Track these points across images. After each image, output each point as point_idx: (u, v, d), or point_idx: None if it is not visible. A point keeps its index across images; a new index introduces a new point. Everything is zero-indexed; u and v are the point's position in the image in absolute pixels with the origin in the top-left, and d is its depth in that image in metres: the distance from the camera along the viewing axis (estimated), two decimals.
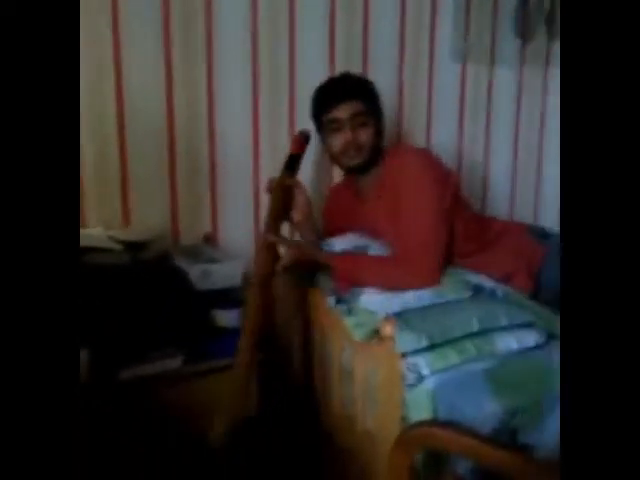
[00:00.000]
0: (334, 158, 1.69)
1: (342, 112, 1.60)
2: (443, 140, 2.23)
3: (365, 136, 1.61)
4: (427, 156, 1.65)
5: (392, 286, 1.47)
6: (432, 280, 1.51)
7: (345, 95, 1.61)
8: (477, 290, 1.53)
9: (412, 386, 1.28)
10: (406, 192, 1.56)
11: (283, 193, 1.56)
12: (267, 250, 1.50)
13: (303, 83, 1.90)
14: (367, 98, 1.64)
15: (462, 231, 1.65)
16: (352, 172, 1.70)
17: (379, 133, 1.66)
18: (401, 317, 1.39)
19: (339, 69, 1.90)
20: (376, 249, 1.62)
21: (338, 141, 1.62)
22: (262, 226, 1.93)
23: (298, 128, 1.92)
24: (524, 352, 1.37)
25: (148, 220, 1.76)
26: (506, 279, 1.60)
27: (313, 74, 1.88)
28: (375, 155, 1.65)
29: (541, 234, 1.75)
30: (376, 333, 1.31)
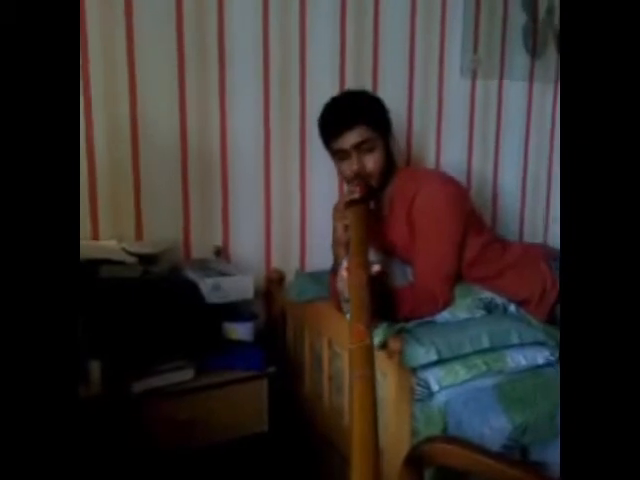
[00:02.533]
0: (347, 182, 1.66)
1: (346, 142, 1.55)
2: (453, 156, 2.24)
3: (372, 163, 1.57)
4: (453, 185, 1.61)
5: (412, 316, 1.48)
6: (446, 307, 1.54)
7: (348, 123, 1.55)
8: (489, 308, 1.54)
9: (422, 401, 1.29)
10: (428, 225, 1.55)
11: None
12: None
13: (313, 99, 1.92)
14: (372, 120, 1.58)
15: (475, 255, 1.61)
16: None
17: (389, 153, 1.62)
18: (411, 332, 1.40)
19: (349, 86, 1.91)
20: (392, 266, 1.63)
21: (346, 169, 1.60)
22: (274, 240, 1.97)
23: (308, 143, 1.95)
24: (534, 369, 1.38)
25: (160, 233, 1.78)
26: (520, 304, 1.60)
27: (323, 90, 1.90)
28: (387, 177, 1.63)
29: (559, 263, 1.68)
30: (385, 346, 1.31)
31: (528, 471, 1.02)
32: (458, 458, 1.00)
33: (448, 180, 1.63)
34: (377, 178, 1.60)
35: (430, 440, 1.10)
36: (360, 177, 1.57)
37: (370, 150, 1.56)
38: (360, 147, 1.55)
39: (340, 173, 1.67)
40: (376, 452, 0.79)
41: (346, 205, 1.54)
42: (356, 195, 1.53)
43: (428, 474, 1.21)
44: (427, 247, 1.56)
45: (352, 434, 0.80)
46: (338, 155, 1.60)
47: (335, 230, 1.61)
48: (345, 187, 1.95)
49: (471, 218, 1.61)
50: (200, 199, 1.84)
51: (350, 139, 1.54)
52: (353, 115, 1.55)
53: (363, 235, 1.39)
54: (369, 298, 1.12)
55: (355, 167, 1.56)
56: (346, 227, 1.53)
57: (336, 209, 1.63)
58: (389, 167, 1.63)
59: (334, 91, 1.91)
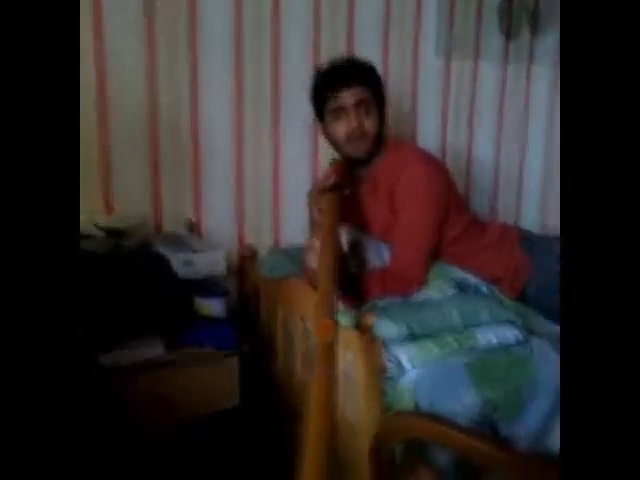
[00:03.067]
0: (337, 146, 1.65)
1: (348, 98, 1.55)
2: (427, 134, 2.24)
3: (370, 124, 1.58)
4: (436, 169, 1.62)
5: (388, 295, 1.49)
6: (420, 285, 1.55)
7: (351, 79, 1.55)
8: (461, 287, 1.55)
9: (393, 378, 1.30)
10: (410, 208, 1.57)
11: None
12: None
13: (287, 73, 1.90)
14: (373, 84, 1.59)
15: (455, 235, 1.63)
16: (354, 162, 1.66)
17: (382, 122, 1.62)
18: (382, 309, 1.40)
19: (323, 60, 1.89)
20: (368, 244, 1.63)
21: (342, 128, 1.58)
22: (247, 216, 1.95)
23: (282, 116, 1.92)
24: (505, 347, 1.39)
25: (130, 207, 1.74)
26: (493, 283, 1.61)
27: (297, 63, 1.89)
28: (378, 145, 1.63)
29: (531, 244, 1.71)
30: (358, 324, 1.32)
31: (498, 445, 1.04)
32: (429, 432, 1.01)
33: (430, 161, 1.63)
34: (372, 140, 1.60)
35: (401, 415, 1.11)
36: (355, 137, 1.57)
37: (367, 112, 1.57)
38: (359, 106, 1.55)
39: (330, 137, 1.65)
40: (329, 449, 0.79)
41: (320, 192, 1.54)
42: (331, 181, 1.52)
43: (399, 449, 1.23)
44: (407, 229, 1.57)
45: (307, 432, 0.80)
46: (334, 114, 1.58)
47: (311, 211, 1.62)
48: (323, 161, 1.94)
49: (454, 198, 1.63)
50: (171, 173, 1.81)
51: (354, 95, 1.55)
52: (355, 73, 1.57)
53: (334, 224, 1.40)
54: (336, 290, 1.13)
55: (355, 124, 1.56)
56: (320, 210, 1.52)
57: (310, 195, 1.62)
58: (381, 136, 1.63)
59: (308, 64, 1.90)
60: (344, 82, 1.55)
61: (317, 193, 1.57)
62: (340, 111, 1.57)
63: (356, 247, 1.63)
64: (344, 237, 1.57)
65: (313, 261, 1.38)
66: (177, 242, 1.67)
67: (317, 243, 1.36)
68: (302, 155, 2.00)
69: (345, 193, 1.60)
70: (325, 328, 0.99)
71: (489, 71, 2.31)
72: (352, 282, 1.47)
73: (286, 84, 1.90)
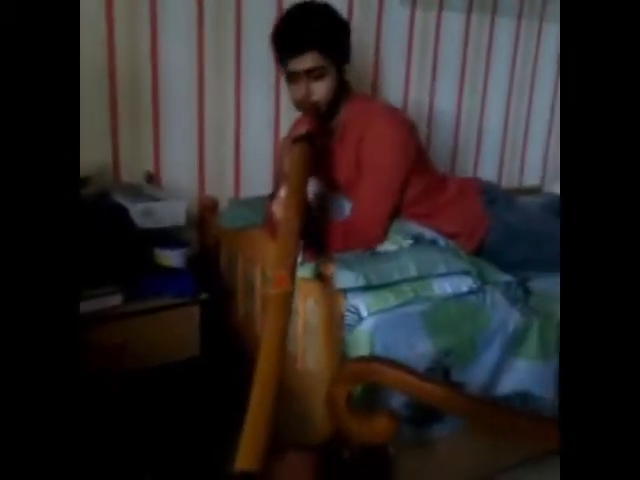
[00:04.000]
0: (295, 107, 1.62)
1: (297, 65, 1.50)
2: (390, 85, 2.23)
3: (321, 91, 1.54)
4: (402, 128, 1.58)
5: (346, 249, 1.49)
6: (378, 242, 1.56)
7: (301, 46, 1.48)
8: (417, 239, 1.57)
9: (351, 327, 1.33)
10: (374, 165, 1.55)
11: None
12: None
13: (250, 16, 1.85)
14: (328, 46, 1.51)
15: (417, 194, 1.63)
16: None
17: (341, 81, 1.58)
18: (342, 260, 1.42)
19: (287, 6, 1.85)
20: (331, 197, 1.63)
21: (295, 93, 1.56)
22: (207, 167, 1.93)
23: (244, 64, 1.89)
24: (459, 296, 1.43)
25: (87, 156, 1.70)
26: (450, 238, 1.63)
27: (260, 9, 1.84)
28: (334, 106, 1.60)
29: (490, 198, 1.73)
30: (318, 275, 1.33)
31: (452, 390, 1.08)
32: (386, 377, 1.04)
33: (398, 119, 1.60)
34: (325, 106, 1.57)
35: (359, 360, 1.14)
36: (306, 105, 1.54)
37: (320, 77, 1.52)
38: (310, 73, 1.51)
39: (290, 95, 1.62)
40: (273, 411, 0.80)
41: (293, 141, 1.50)
42: (304, 131, 1.49)
43: (356, 392, 1.26)
44: (369, 187, 1.56)
45: (254, 382, 0.81)
46: (289, 77, 1.56)
47: (284, 163, 1.56)
48: (284, 113, 1.91)
49: (417, 158, 1.61)
50: (130, 121, 1.77)
51: (300, 64, 1.50)
52: (307, 39, 1.48)
53: (303, 176, 1.37)
54: (299, 242, 1.12)
55: (304, 92, 1.53)
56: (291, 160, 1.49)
57: (283, 144, 1.59)
58: (339, 95, 1.59)
59: (271, 11, 1.85)
60: (295, 48, 1.49)
61: (290, 143, 1.53)
62: (294, 75, 1.53)
63: (320, 199, 1.63)
64: (311, 188, 1.56)
65: (279, 211, 1.36)
66: (136, 192, 1.65)
67: (283, 192, 1.34)
68: (264, 107, 1.98)
69: (317, 145, 1.58)
70: (281, 280, 1.00)
71: (453, 22, 2.29)
72: (314, 234, 1.47)
73: (249, 35, 1.86)
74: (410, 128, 1.62)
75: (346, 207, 1.68)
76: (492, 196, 1.73)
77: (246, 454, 0.71)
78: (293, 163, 1.40)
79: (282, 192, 1.35)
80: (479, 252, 1.64)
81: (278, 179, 1.60)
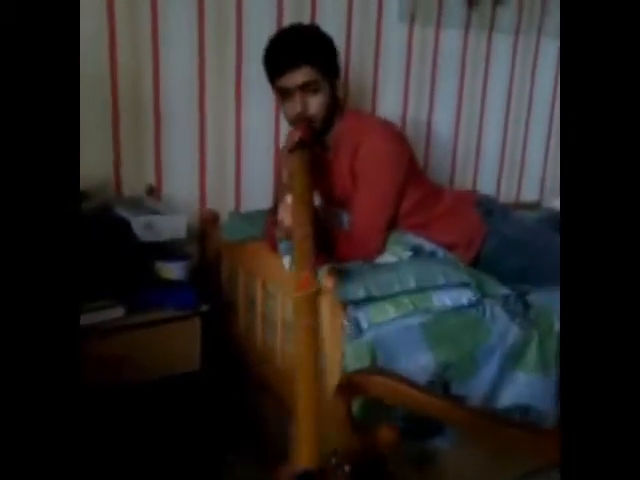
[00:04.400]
0: (289, 123, 1.63)
1: (290, 81, 1.51)
2: (389, 100, 2.25)
3: (316, 106, 1.55)
4: (395, 140, 1.61)
5: (345, 259, 1.50)
6: (377, 254, 1.58)
7: (292, 62, 1.50)
8: (417, 251, 1.58)
9: (351, 338, 1.33)
10: (370, 178, 1.57)
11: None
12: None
13: (250, 35, 1.88)
14: (319, 61, 1.54)
15: (412, 205, 1.65)
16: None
17: (334, 96, 1.60)
18: (342, 271, 1.42)
19: (287, 23, 1.87)
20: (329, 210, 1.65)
21: (289, 110, 1.57)
22: (208, 180, 1.94)
23: (244, 77, 1.91)
24: (458, 309, 1.44)
25: (89, 169, 1.71)
26: (447, 249, 1.64)
27: (260, 26, 1.86)
28: (330, 121, 1.61)
29: (487, 210, 1.74)
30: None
31: (452, 402, 1.09)
32: (386, 389, 1.05)
33: (390, 135, 1.62)
34: (320, 121, 1.58)
35: (361, 371, 1.14)
36: (302, 119, 1.55)
37: (314, 92, 1.54)
38: (304, 88, 1.52)
39: (284, 113, 1.64)
40: (319, 399, 0.81)
41: (290, 150, 1.51)
42: (298, 137, 1.51)
43: (357, 405, 1.27)
44: (365, 198, 1.58)
45: (296, 382, 0.82)
46: (281, 94, 1.57)
47: (284, 176, 1.58)
48: (285, 127, 1.93)
49: (410, 171, 1.63)
50: (131, 135, 1.78)
51: (294, 79, 1.51)
52: (300, 54, 1.51)
53: (307, 182, 1.38)
54: (313, 245, 1.14)
55: (298, 109, 1.54)
56: (290, 171, 1.49)
57: (282, 154, 1.60)
58: (333, 110, 1.61)
59: (271, 27, 1.87)
60: (288, 63, 1.50)
61: (287, 152, 1.54)
62: (286, 92, 1.54)
63: (321, 211, 1.64)
64: (316, 197, 1.57)
65: (287, 218, 1.37)
66: (138, 206, 1.66)
67: (290, 199, 1.35)
68: (265, 120, 2.00)
69: (315, 151, 1.58)
70: (305, 282, 1.02)
71: (451, 38, 2.32)
72: (321, 240, 1.47)
73: (249, 49, 1.88)
74: (402, 140, 1.65)
75: (345, 221, 1.69)
76: (488, 208, 1.74)
77: (304, 453, 0.73)
78: (295, 171, 1.42)
79: (288, 199, 1.36)
80: (476, 263, 1.65)
81: (278, 191, 1.61)
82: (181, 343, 1.53)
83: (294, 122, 1.58)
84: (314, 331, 0.92)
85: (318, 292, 1.04)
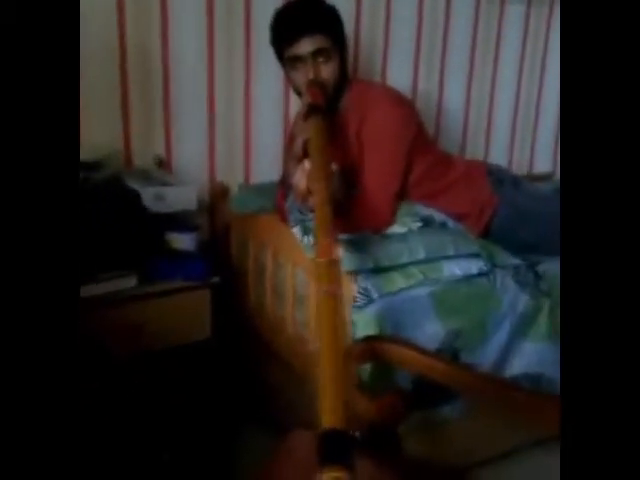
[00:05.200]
0: (297, 92, 1.63)
1: (303, 48, 1.51)
2: (399, 72, 2.23)
3: (328, 73, 1.54)
4: (403, 109, 1.60)
5: (355, 229, 1.50)
6: (388, 224, 1.57)
7: (306, 29, 1.50)
8: (427, 222, 1.58)
9: (361, 308, 1.34)
10: (377, 147, 1.56)
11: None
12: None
13: (259, 4, 1.86)
14: (330, 29, 1.54)
15: (421, 174, 1.64)
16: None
17: (343, 64, 1.60)
18: (351, 242, 1.43)
19: None
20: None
21: (300, 78, 1.56)
22: (218, 153, 1.94)
23: (254, 48, 1.89)
24: (468, 279, 1.44)
25: (99, 140, 1.72)
26: (458, 219, 1.64)
27: (270, 1, 1.84)
28: (340, 91, 1.61)
29: (498, 179, 1.73)
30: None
31: (461, 367, 1.09)
32: (396, 354, 1.05)
33: (398, 101, 1.62)
34: (331, 89, 1.57)
35: (370, 338, 1.15)
36: (315, 85, 1.53)
37: (326, 60, 1.53)
38: (316, 55, 1.52)
39: (291, 83, 1.63)
40: (342, 366, 0.80)
41: (305, 116, 1.49)
42: (310, 101, 1.49)
43: (366, 372, 1.28)
44: (375, 167, 1.57)
45: (320, 350, 0.82)
46: (291, 63, 1.56)
47: (295, 145, 1.53)
48: (294, 99, 1.92)
49: (418, 138, 1.62)
50: (141, 107, 1.78)
51: (307, 46, 1.50)
52: (312, 21, 1.51)
53: (324, 147, 1.36)
54: (332, 213, 1.13)
55: (310, 75, 1.53)
56: (305, 143, 1.46)
57: (296, 123, 1.59)
58: (343, 80, 1.61)
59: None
60: (299, 30, 1.50)
61: (302, 118, 1.51)
62: (297, 60, 1.53)
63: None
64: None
65: (302, 182, 1.36)
66: (148, 177, 1.66)
67: (307, 164, 1.34)
68: (274, 93, 1.98)
69: (328, 119, 1.56)
70: (325, 248, 1.02)
71: (462, 7, 2.28)
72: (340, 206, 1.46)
73: (258, 21, 1.86)
74: (410, 107, 1.64)
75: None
76: (499, 177, 1.73)
77: (332, 412, 0.71)
78: (313, 137, 1.40)
79: (306, 164, 1.35)
80: (487, 233, 1.64)
81: (287, 162, 1.60)
82: (193, 313, 1.54)
83: (304, 91, 1.56)
84: (336, 297, 0.92)
85: (337, 261, 1.03)
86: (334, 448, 0.64)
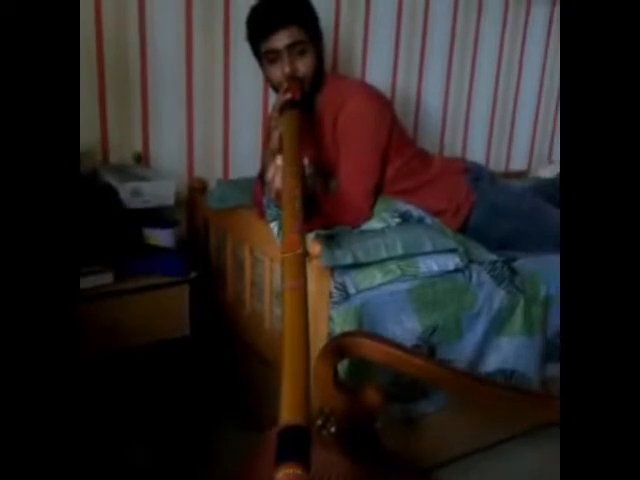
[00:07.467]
0: (274, 88, 1.62)
1: (278, 42, 1.50)
2: (378, 69, 2.23)
3: (304, 66, 1.54)
4: (377, 102, 1.61)
5: (332, 224, 1.50)
6: (365, 219, 1.57)
7: (281, 22, 1.49)
8: (405, 218, 1.59)
9: (338, 304, 1.34)
10: (353, 141, 1.57)
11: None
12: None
13: (238, 2, 1.85)
14: (305, 22, 1.54)
15: (399, 169, 1.64)
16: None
17: (320, 59, 1.60)
18: (329, 237, 1.43)
19: None
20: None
21: (276, 73, 1.55)
22: (196, 148, 1.93)
23: (232, 44, 1.89)
24: (445, 274, 1.45)
25: None
26: (435, 215, 1.65)
27: None
28: (316, 86, 1.60)
29: (475, 176, 1.74)
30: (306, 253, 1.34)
31: (437, 363, 1.10)
32: (373, 350, 1.06)
33: (371, 95, 1.62)
34: (308, 83, 1.56)
35: (347, 334, 1.15)
36: (291, 79, 1.53)
37: (302, 53, 1.53)
38: (292, 49, 1.51)
39: (268, 78, 1.62)
40: (307, 363, 0.79)
41: (280, 110, 1.48)
42: (288, 96, 1.48)
43: (343, 368, 1.28)
44: (350, 161, 1.57)
45: (283, 344, 0.81)
46: (268, 57, 1.55)
47: (272, 139, 1.51)
48: (273, 95, 1.92)
49: (394, 133, 1.62)
50: (118, 103, 1.76)
51: (283, 39, 1.50)
52: (287, 14, 1.51)
53: (297, 142, 1.35)
54: (302, 207, 1.13)
55: (287, 69, 1.52)
56: (281, 137, 1.45)
57: (271, 117, 1.59)
58: (319, 75, 1.60)
59: None
60: (275, 24, 1.50)
61: (277, 112, 1.50)
62: (274, 54, 1.53)
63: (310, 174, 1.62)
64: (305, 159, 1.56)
65: (278, 180, 1.34)
66: (125, 172, 1.65)
67: (279, 160, 1.33)
68: (253, 89, 1.98)
69: (304, 114, 1.57)
70: (292, 242, 1.01)
71: (441, 5, 2.29)
72: (311, 203, 1.45)
73: (237, 16, 1.85)
74: (384, 101, 1.65)
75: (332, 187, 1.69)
76: (477, 175, 1.74)
77: (289, 409, 0.70)
78: (284, 131, 1.40)
79: (278, 160, 1.34)
80: (464, 229, 1.66)
81: (265, 157, 1.59)
82: (170, 309, 1.53)
83: (280, 85, 1.55)
84: (302, 292, 0.91)
85: (306, 254, 1.03)
86: (289, 445, 0.64)
